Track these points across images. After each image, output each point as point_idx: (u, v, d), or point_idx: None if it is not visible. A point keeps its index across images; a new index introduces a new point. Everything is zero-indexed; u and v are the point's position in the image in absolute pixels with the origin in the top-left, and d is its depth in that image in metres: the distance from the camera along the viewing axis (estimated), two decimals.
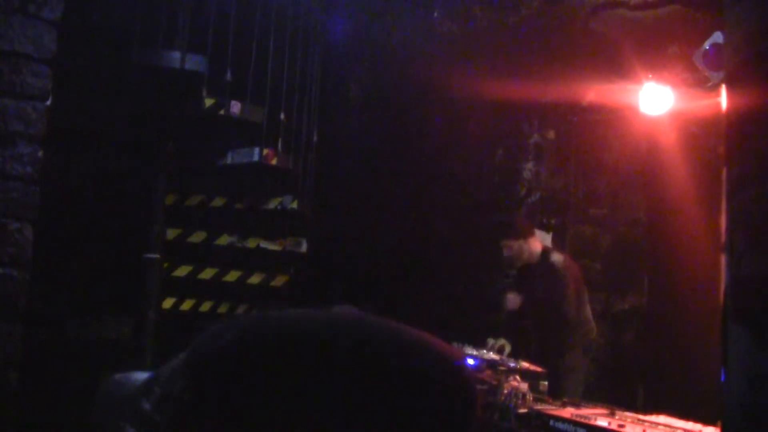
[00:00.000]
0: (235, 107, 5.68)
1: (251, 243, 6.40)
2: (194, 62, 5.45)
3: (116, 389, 1.99)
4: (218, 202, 6.39)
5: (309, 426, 1.71)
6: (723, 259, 1.60)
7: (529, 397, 4.31)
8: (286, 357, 1.76)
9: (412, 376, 1.78)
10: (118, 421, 1.92)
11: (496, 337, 5.79)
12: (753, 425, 1.44)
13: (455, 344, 5.19)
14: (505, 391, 4.28)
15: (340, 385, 1.73)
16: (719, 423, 1.62)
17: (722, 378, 1.58)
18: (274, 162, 6.03)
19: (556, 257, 5.99)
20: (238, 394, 1.72)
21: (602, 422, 3.76)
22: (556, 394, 4.81)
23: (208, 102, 5.58)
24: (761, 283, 1.44)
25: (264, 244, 6.44)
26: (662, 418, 4.02)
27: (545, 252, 6.03)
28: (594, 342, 6.09)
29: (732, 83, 1.64)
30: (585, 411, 4.06)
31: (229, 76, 5.63)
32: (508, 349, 5.67)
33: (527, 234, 6.04)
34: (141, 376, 1.97)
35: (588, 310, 5.98)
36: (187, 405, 1.80)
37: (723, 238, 1.62)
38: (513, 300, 5.96)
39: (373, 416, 1.74)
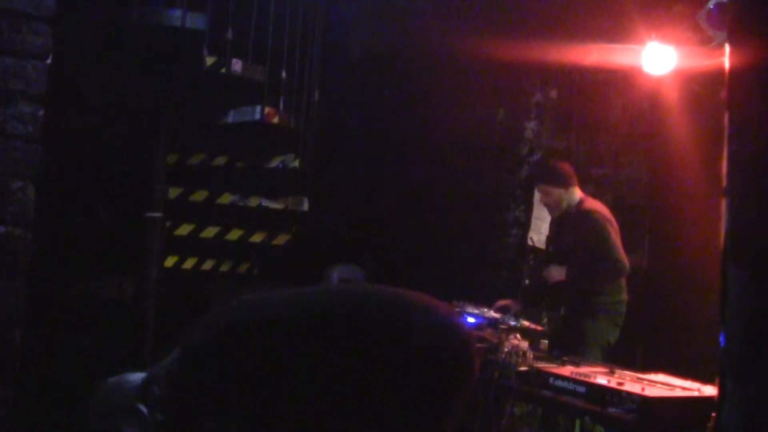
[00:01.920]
0: (237, 66, 5.65)
1: (253, 202, 6.41)
2: (195, 20, 5.41)
3: (111, 394, 1.98)
4: (220, 161, 6.39)
5: (313, 405, 1.71)
6: (723, 204, 1.62)
7: (530, 355, 4.35)
8: (283, 341, 1.75)
9: (410, 338, 1.78)
10: (116, 426, 1.90)
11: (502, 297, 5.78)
12: (750, 365, 1.47)
13: (456, 302, 5.22)
14: (506, 349, 4.32)
15: (340, 360, 1.72)
16: (718, 374, 1.64)
17: (721, 335, 1.60)
18: (275, 121, 6.01)
19: (585, 208, 5.77)
20: (237, 384, 1.71)
21: (602, 380, 3.79)
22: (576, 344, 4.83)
23: (209, 61, 5.54)
24: (760, 224, 1.46)
25: (266, 203, 6.45)
26: (661, 377, 4.05)
27: (579, 204, 5.81)
28: (614, 309, 5.81)
29: (734, 29, 1.65)
30: (584, 369, 4.09)
31: (230, 34, 5.60)
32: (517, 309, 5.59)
33: (570, 183, 5.84)
34: (135, 377, 1.96)
35: (620, 251, 5.72)
36: (188, 401, 1.79)
37: (723, 182, 1.63)
38: (557, 272, 5.75)
39: (375, 383, 1.74)
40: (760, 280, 1.44)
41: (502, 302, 5.65)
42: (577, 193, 5.83)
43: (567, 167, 5.98)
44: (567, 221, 5.93)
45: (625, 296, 5.84)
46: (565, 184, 5.79)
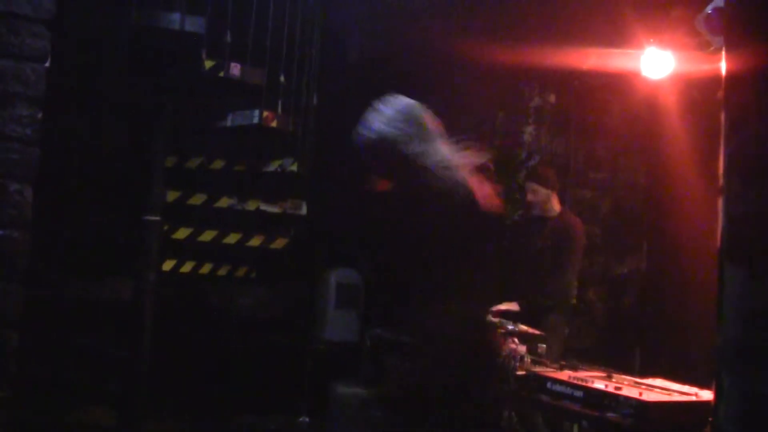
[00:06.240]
0: (235, 69, 5.65)
1: (251, 205, 6.40)
2: (193, 24, 5.41)
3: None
4: (218, 164, 6.37)
5: None
6: (719, 202, 1.63)
7: (527, 359, 4.35)
8: None
9: None
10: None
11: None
12: (747, 362, 1.47)
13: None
14: (504, 354, 4.32)
15: None
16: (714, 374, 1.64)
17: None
18: (274, 124, 6.01)
19: (573, 220, 5.97)
20: None
21: (599, 385, 3.79)
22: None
23: (208, 64, 5.54)
24: (756, 220, 1.46)
25: (264, 207, 6.43)
26: (659, 382, 4.05)
27: (563, 213, 6.00)
28: (572, 307, 5.97)
29: (730, 33, 1.65)
30: (582, 374, 4.10)
31: (228, 37, 5.60)
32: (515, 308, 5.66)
33: (555, 188, 6.02)
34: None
35: (574, 276, 5.97)
36: None
37: (720, 181, 1.64)
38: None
39: None
40: (756, 278, 1.44)
41: (503, 306, 5.67)
42: (557, 203, 6.01)
43: (554, 175, 6.17)
44: (542, 226, 6.04)
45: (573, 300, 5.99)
46: (553, 188, 5.97)
